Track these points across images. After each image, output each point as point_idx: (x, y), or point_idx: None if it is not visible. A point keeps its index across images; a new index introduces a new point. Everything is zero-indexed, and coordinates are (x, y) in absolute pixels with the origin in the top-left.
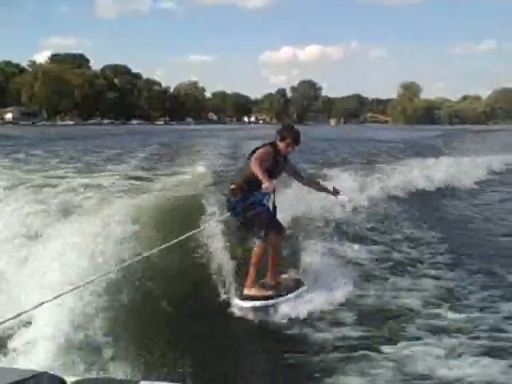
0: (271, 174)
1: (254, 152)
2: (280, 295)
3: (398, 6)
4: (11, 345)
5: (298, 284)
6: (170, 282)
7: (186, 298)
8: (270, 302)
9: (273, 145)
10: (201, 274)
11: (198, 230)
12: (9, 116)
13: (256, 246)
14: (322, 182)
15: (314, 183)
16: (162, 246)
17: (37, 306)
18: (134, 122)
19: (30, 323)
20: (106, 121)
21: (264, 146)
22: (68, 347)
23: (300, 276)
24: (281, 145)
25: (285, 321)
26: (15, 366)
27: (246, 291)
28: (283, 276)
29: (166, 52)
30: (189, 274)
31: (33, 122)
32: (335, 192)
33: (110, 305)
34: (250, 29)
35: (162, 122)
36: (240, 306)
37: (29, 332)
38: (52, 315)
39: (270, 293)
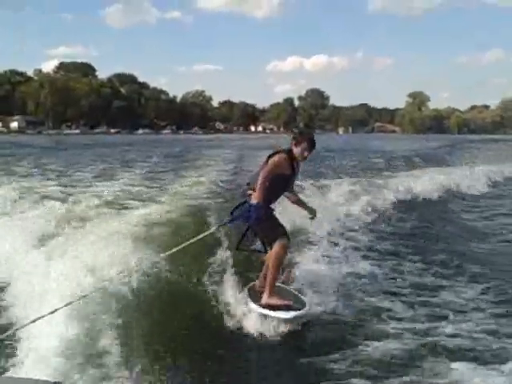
0: (289, 181)
1: (269, 157)
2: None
3: (403, 16)
4: (21, 354)
5: (298, 301)
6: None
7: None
8: (295, 313)
9: (288, 151)
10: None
11: (207, 232)
12: (14, 125)
13: (276, 246)
14: (303, 200)
15: (301, 202)
16: (169, 251)
17: (50, 313)
18: (140, 131)
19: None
20: (112, 130)
21: (278, 152)
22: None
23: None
24: (296, 150)
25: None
26: (30, 377)
27: (266, 299)
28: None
29: (171, 61)
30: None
31: (39, 132)
32: (313, 212)
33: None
34: (257, 38)
35: (168, 131)
36: (261, 314)
37: (37, 343)
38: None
39: (290, 302)
